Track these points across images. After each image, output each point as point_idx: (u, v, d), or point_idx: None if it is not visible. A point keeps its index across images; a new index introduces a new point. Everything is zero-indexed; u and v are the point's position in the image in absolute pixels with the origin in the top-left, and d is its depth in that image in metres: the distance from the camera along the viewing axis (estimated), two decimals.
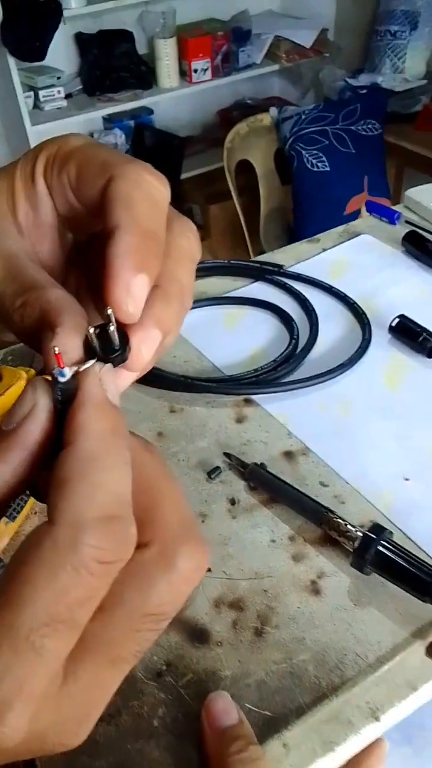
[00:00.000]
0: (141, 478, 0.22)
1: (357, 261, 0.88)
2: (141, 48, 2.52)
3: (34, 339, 0.24)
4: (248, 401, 0.69)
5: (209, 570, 0.53)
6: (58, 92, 2.37)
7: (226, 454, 0.62)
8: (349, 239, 0.92)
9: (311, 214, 2.40)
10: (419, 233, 0.88)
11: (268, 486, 0.59)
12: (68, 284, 0.29)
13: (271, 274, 0.85)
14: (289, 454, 0.63)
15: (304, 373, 0.70)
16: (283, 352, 0.73)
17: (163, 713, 0.45)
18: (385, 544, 0.50)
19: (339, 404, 0.68)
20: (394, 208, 0.97)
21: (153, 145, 2.69)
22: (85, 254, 0.29)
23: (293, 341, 0.74)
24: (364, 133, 2.41)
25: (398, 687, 0.46)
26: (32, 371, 0.67)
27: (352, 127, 2.39)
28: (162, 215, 0.25)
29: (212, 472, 0.61)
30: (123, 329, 0.24)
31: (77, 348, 0.23)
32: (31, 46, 2.17)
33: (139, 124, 2.68)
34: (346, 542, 0.52)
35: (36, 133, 2.32)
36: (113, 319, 0.23)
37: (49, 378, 0.23)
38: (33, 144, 2.22)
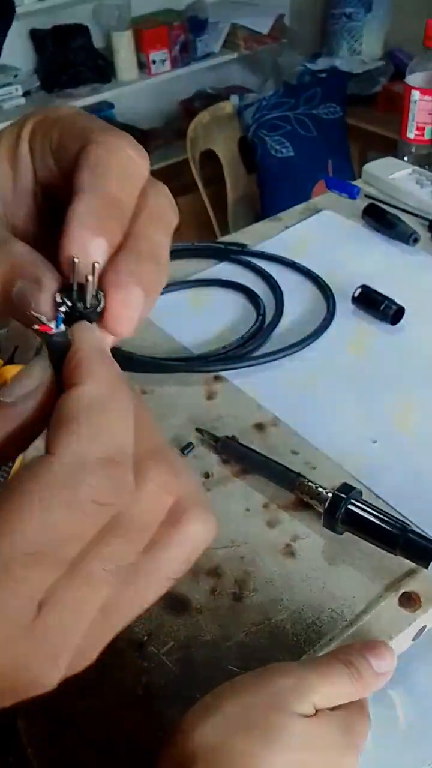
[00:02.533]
0: None
1: (319, 236, 0.89)
2: (97, 42, 2.50)
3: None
4: (218, 378, 0.69)
5: None
6: (16, 90, 2.35)
7: (198, 430, 0.63)
8: (310, 216, 0.94)
9: (278, 200, 2.41)
10: (378, 206, 0.89)
11: (240, 457, 0.60)
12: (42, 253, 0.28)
13: (235, 254, 0.86)
14: (259, 426, 0.64)
15: (271, 348, 0.71)
16: (250, 329, 0.74)
17: (146, 681, 0.46)
18: (354, 502, 0.51)
19: (307, 375, 0.69)
20: (354, 183, 0.98)
21: None
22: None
23: (260, 317, 0.75)
24: (325, 116, 2.42)
25: (374, 638, 0.47)
26: None
27: (314, 111, 2.41)
28: (132, 187, 0.25)
29: (185, 448, 0.61)
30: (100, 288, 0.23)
31: (52, 301, 0.23)
32: None
33: (101, 119, 2.67)
34: (318, 504, 0.53)
35: None
36: (91, 278, 0.22)
37: (38, 327, 0.22)
38: None
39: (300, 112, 2.40)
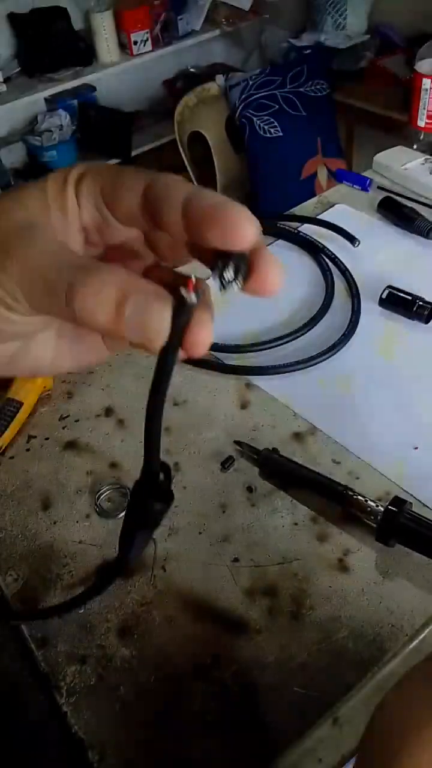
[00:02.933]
0: None
1: (335, 232, 0.88)
2: (77, 24, 2.44)
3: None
4: (249, 386, 0.69)
5: (237, 560, 0.54)
6: None
7: (237, 443, 0.62)
8: (324, 210, 0.92)
9: (268, 180, 2.38)
10: (394, 199, 0.88)
11: (282, 472, 0.59)
12: None
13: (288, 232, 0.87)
14: (297, 436, 0.63)
15: (299, 354, 0.71)
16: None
17: (214, 706, 0.46)
18: (407, 515, 0.51)
19: (339, 380, 0.68)
20: (365, 174, 0.97)
21: (99, 122, 2.63)
22: None
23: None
24: (312, 94, 2.39)
25: None
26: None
27: (301, 89, 2.37)
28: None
29: (226, 462, 0.61)
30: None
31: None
32: None
33: (83, 103, 2.61)
34: (368, 518, 0.53)
35: None
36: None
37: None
38: None
39: (287, 90, 2.36)
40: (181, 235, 0.25)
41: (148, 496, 0.31)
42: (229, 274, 0.25)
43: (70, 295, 0.24)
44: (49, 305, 0.25)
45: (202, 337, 0.26)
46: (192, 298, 0.25)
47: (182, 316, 0.25)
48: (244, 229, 0.24)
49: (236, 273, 0.25)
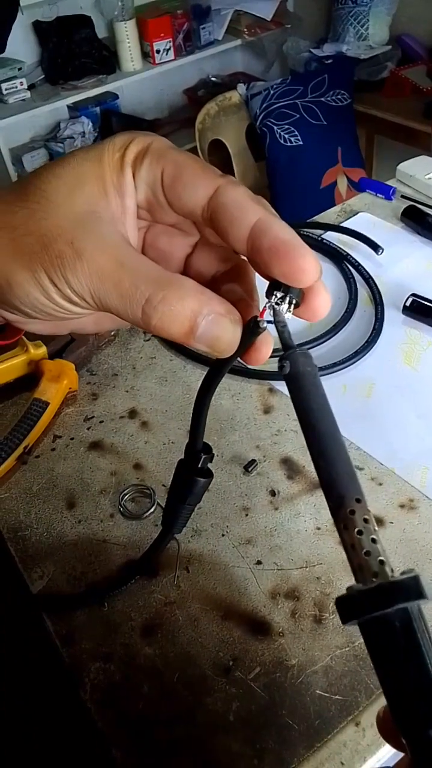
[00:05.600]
0: None
1: (358, 240, 0.88)
2: (100, 32, 2.47)
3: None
4: (272, 391, 0.69)
5: (260, 563, 0.54)
6: (21, 84, 2.32)
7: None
8: (347, 219, 0.93)
9: (288, 189, 2.39)
10: (418, 208, 0.88)
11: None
12: None
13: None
14: None
15: (322, 360, 0.71)
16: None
17: (236, 707, 0.47)
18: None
19: (362, 387, 0.69)
20: (388, 182, 0.97)
21: (121, 130, 2.61)
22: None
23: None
24: (333, 103, 2.40)
25: None
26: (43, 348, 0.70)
27: (322, 99, 2.38)
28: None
29: (249, 465, 0.61)
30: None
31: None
32: None
33: (105, 110, 2.64)
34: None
35: (2, 129, 2.28)
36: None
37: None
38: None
39: (308, 99, 2.37)
40: (243, 251, 0.27)
41: (192, 473, 0.34)
42: (284, 306, 0.27)
43: (147, 309, 0.25)
44: (122, 312, 0.26)
45: (264, 353, 0.29)
46: (264, 324, 0.28)
47: (252, 336, 0.28)
48: (309, 272, 0.26)
49: (290, 304, 0.27)
